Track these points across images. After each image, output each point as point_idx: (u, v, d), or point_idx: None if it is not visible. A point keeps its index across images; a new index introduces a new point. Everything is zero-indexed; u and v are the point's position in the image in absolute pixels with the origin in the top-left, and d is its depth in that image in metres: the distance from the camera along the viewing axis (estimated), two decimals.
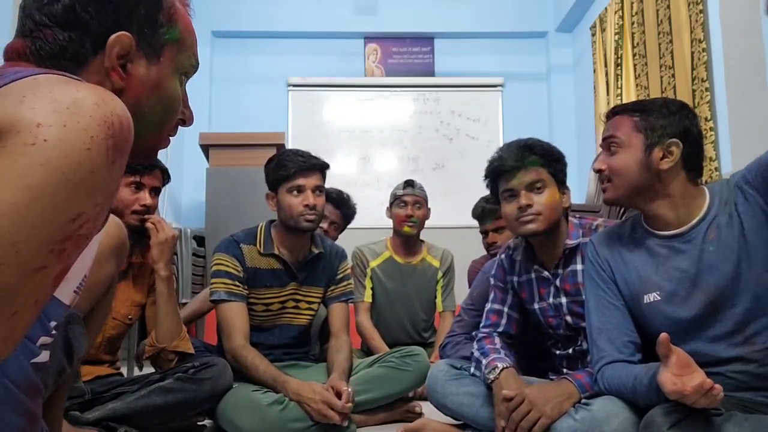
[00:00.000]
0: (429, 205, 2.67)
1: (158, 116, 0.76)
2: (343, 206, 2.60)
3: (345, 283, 2.05)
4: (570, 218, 1.57)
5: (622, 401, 1.20)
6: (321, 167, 1.92)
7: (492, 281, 1.72)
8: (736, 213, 1.18)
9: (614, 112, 1.33)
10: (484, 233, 2.50)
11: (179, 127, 0.82)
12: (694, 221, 1.22)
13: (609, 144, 1.29)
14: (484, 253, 2.55)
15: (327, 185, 2.01)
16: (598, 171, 1.31)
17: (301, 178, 1.87)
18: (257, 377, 1.73)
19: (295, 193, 1.87)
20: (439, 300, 2.68)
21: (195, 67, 0.81)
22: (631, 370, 1.20)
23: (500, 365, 1.47)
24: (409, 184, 2.64)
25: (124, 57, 0.70)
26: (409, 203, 2.58)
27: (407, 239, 2.63)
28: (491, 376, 1.47)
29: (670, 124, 1.24)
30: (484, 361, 1.53)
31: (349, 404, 1.65)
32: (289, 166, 1.88)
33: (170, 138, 0.81)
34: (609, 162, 1.28)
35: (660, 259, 1.25)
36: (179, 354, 1.67)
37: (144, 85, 0.74)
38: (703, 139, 1.28)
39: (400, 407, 1.97)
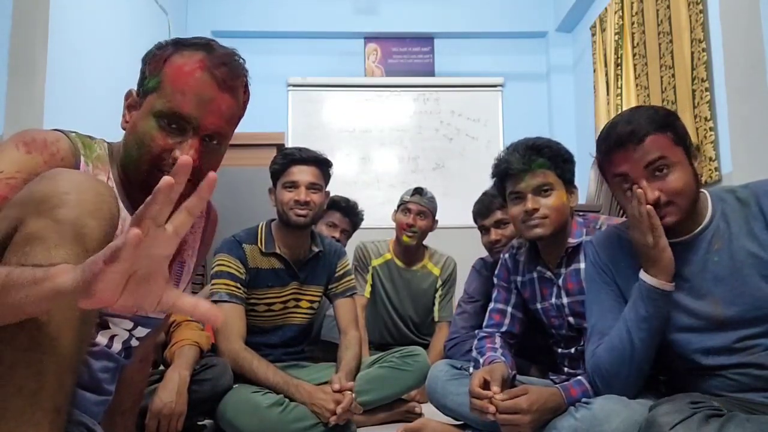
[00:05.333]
0: (437, 218, 2.61)
1: (134, 152, 0.93)
2: (351, 214, 2.62)
3: (347, 278, 2.05)
4: (574, 217, 1.57)
5: (623, 400, 1.20)
6: (316, 161, 1.90)
7: (496, 281, 1.72)
8: (759, 224, 1.16)
9: (645, 134, 1.16)
10: (489, 228, 2.36)
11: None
12: (698, 229, 1.20)
13: (657, 167, 1.15)
14: (486, 253, 2.48)
15: (329, 188, 2.01)
16: (655, 202, 1.15)
17: (295, 172, 1.87)
18: (266, 380, 1.71)
19: (289, 187, 1.87)
20: (436, 309, 2.64)
21: (171, 110, 0.92)
22: (616, 328, 1.24)
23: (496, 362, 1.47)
24: (417, 191, 2.57)
25: (131, 107, 0.96)
26: (413, 212, 2.53)
27: (407, 247, 2.61)
28: (471, 369, 1.47)
29: (686, 130, 1.21)
30: (481, 360, 1.53)
31: (355, 405, 1.66)
32: (285, 159, 1.89)
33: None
34: (665, 185, 1.15)
35: None
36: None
37: (130, 127, 0.95)
38: None
39: (400, 407, 1.98)
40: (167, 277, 0.61)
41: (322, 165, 1.92)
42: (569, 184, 1.53)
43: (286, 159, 1.89)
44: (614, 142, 1.19)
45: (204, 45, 0.95)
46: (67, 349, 0.70)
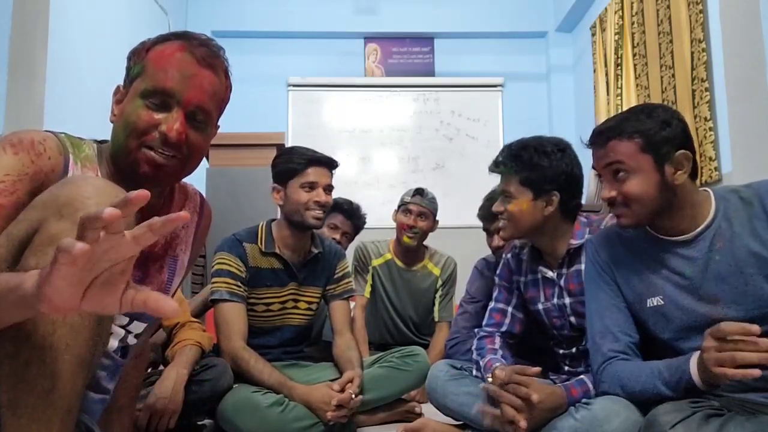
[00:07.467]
0: (438, 218, 2.60)
1: (122, 134, 0.96)
2: (354, 217, 2.61)
3: (345, 281, 2.05)
4: (578, 217, 1.57)
5: (622, 400, 1.20)
6: (331, 164, 1.92)
7: (497, 280, 1.72)
8: (762, 223, 1.15)
9: (607, 137, 1.22)
10: (493, 232, 2.36)
11: (167, 142, 0.95)
12: (700, 228, 1.20)
13: (614, 170, 1.21)
14: (487, 253, 2.47)
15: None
16: (609, 199, 1.22)
17: (315, 173, 1.87)
18: (262, 381, 1.72)
19: (307, 188, 1.86)
20: (436, 309, 2.64)
21: (155, 87, 0.96)
22: (645, 365, 1.20)
23: (497, 366, 1.47)
24: (418, 192, 2.56)
25: (119, 101, 1.00)
26: (414, 212, 2.52)
27: (407, 247, 2.60)
28: (489, 377, 1.47)
29: (672, 136, 1.19)
30: (481, 362, 1.53)
31: (359, 398, 1.69)
32: (303, 159, 1.88)
33: (153, 154, 0.95)
34: (622, 188, 1.20)
35: (664, 264, 1.24)
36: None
37: (117, 117, 0.99)
38: (691, 138, 1.24)
39: (400, 407, 1.98)
40: (130, 279, 0.60)
41: (334, 167, 1.95)
42: (542, 192, 1.48)
43: (304, 159, 1.88)
44: (589, 139, 1.29)
45: (182, 34, 1.02)
46: (82, 349, 0.71)
